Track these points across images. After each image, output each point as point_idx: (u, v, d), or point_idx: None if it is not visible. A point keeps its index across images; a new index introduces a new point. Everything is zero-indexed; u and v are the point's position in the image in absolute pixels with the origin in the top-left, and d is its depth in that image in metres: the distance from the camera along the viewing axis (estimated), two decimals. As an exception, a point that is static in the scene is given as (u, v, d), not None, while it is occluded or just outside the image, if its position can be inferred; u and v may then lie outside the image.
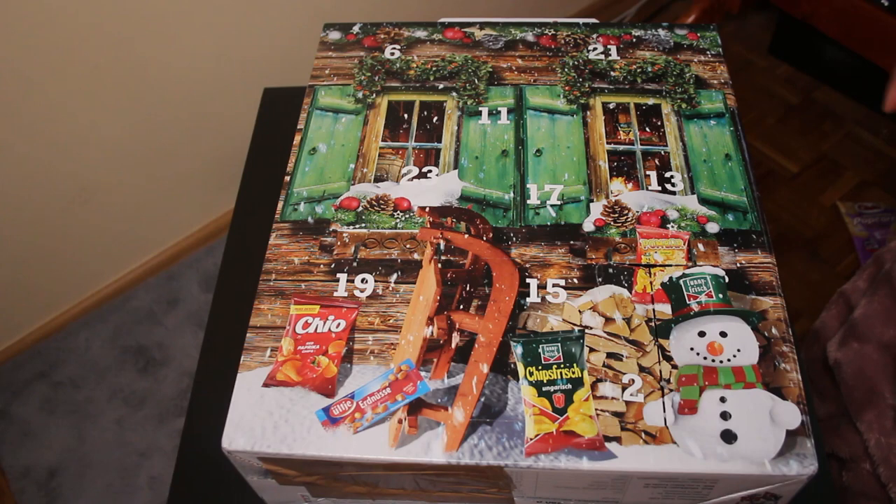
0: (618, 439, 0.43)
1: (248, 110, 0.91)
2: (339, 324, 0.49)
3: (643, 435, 0.43)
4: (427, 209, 0.55)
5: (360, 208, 0.56)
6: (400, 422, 0.45)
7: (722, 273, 0.50)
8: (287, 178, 0.58)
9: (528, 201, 0.55)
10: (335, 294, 0.51)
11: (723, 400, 0.44)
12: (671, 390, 0.45)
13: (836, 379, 0.66)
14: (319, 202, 0.57)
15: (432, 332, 0.48)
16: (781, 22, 1.78)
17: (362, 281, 0.52)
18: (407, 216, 0.55)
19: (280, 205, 0.57)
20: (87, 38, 1.16)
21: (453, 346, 0.48)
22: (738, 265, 0.50)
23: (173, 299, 1.57)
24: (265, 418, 0.45)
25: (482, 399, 0.45)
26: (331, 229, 0.55)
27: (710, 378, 0.45)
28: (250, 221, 0.75)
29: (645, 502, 0.47)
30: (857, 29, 1.63)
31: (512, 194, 0.56)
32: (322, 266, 0.53)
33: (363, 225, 0.55)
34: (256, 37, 1.36)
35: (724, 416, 0.43)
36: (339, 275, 0.52)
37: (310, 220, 0.56)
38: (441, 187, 0.57)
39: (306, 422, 0.45)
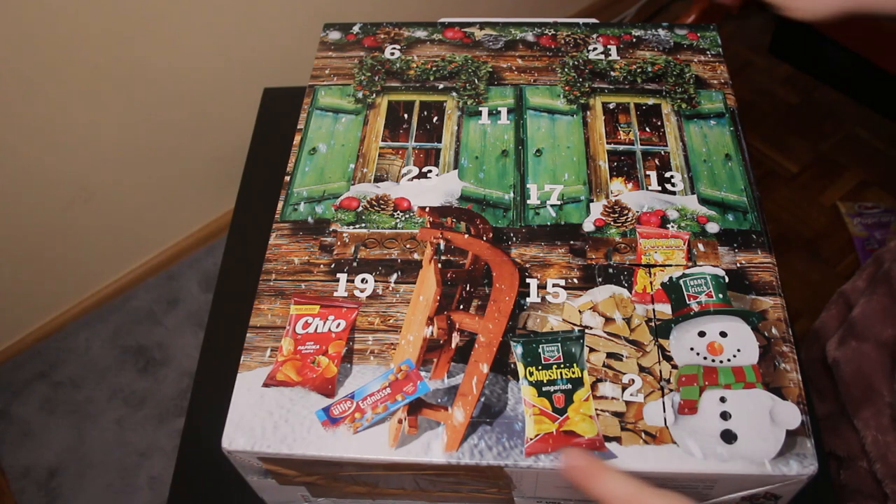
0: (618, 439, 0.43)
1: (248, 110, 0.91)
2: (339, 324, 0.49)
3: (643, 435, 0.43)
4: (427, 209, 0.55)
5: (360, 208, 0.56)
6: (400, 422, 0.44)
7: (722, 273, 0.50)
8: (287, 178, 0.58)
9: (528, 201, 0.55)
10: (335, 294, 0.51)
11: (723, 400, 0.44)
12: (671, 390, 0.45)
13: (834, 378, 0.66)
14: (319, 202, 0.56)
15: (432, 332, 0.48)
16: (781, 22, 1.78)
17: (362, 281, 0.51)
18: (407, 216, 0.55)
19: (280, 205, 0.57)
20: (88, 38, 1.16)
21: (453, 346, 0.47)
22: (738, 265, 0.50)
23: (173, 299, 1.57)
24: (265, 418, 0.45)
25: (482, 399, 0.45)
26: (331, 229, 0.55)
27: (710, 378, 0.45)
28: (250, 221, 0.75)
29: None
30: (857, 29, 1.63)
31: (512, 194, 0.56)
32: (322, 266, 0.53)
33: (363, 225, 0.55)
34: (256, 37, 1.36)
35: (724, 416, 0.43)
36: (339, 275, 0.52)
37: (310, 220, 0.55)
38: (441, 187, 0.56)
39: (306, 422, 0.45)
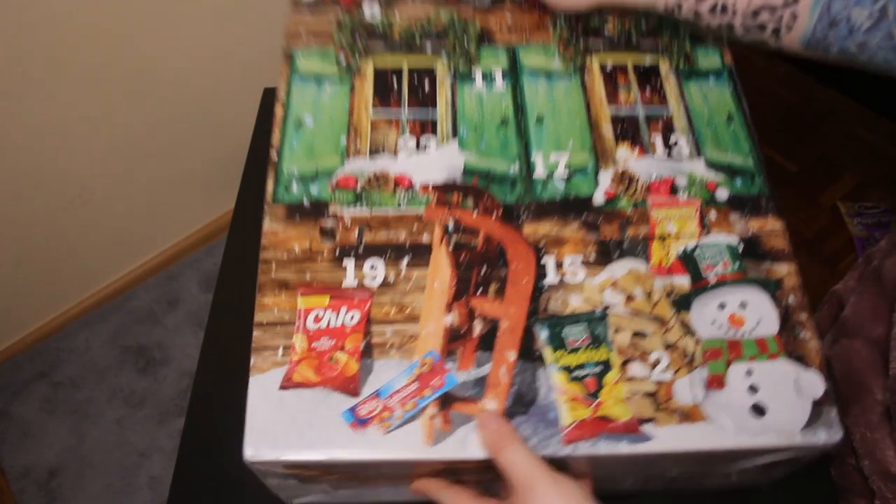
0: (652, 420, 0.43)
1: (248, 110, 0.91)
2: (353, 315, 0.46)
3: (676, 413, 0.43)
4: (430, 186, 0.51)
5: (359, 187, 0.51)
6: (432, 418, 0.42)
7: (736, 241, 0.49)
8: (274, 155, 0.53)
9: (535, 174, 0.52)
10: (344, 284, 0.47)
11: (749, 373, 0.44)
12: (698, 365, 0.44)
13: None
14: (313, 181, 0.52)
15: (453, 321, 0.46)
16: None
17: (371, 267, 0.48)
18: (410, 194, 0.51)
19: (270, 185, 0.52)
20: (88, 38, 1.16)
21: (476, 334, 0.45)
22: (751, 232, 0.49)
23: (173, 299, 1.57)
24: (288, 424, 0.43)
25: (513, 388, 0.43)
26: (330, 212, 0.50)
27: (735, 351, 0.44)
28: (250, 221, 0.75)
29: (674, 470, 0.47)
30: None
31: (517, 166, 0.53)
32: (326, 253, 0.49)
33: (364, 205, 0.50)
34: (256, 37, 1.36)
35: (752, 389, 0.43)
36: (345, 261, 0.48)
37: (305, 202, 0.51)
38: (442, 161, 0.52)
39: (333, 425, 0.43)
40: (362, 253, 0.49)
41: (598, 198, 0.51)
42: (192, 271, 1.60)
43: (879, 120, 1.75)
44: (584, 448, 0.42)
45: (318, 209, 0.51)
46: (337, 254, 0.49)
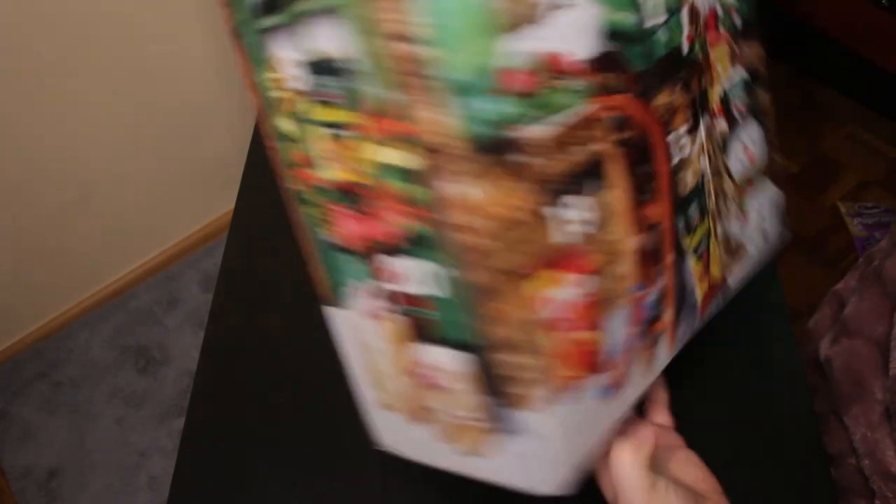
0: (728, 270, 0.45)
1: (249, 110, 0.91)
2: (580, 282, 0.34)
3: (736, 256, 0.46)
4: (580, 66, 0.33)
5: (536, 87, 0.31)
6: (649, 349, 0.40)
7: (747, 75, 0.47)
8: (423, 49, 0.29)
9: (645, 23, 0.37)
10: (553, 241, 0.33)
11: (755, 200, 0.48)
12: (733, 205, 0.47)
13: (826, 377, 0.66)
14: (481, 91, 0.30)
15: (640, 243, 0.38)
16: (781, 22, 1.78)
17: (567, 207, 0.34)
18: (567, 83, 0.32)
19: (443, 114, 0.29)
20: (88, 38, 1.16)
21: (651, 247, 0.38)
22: (752, 63, 0.47)
23: (173, 299, 1.57)
24: (584, 436, 0.37)
25: (676, 290, 0.42)
26: (513, 138, 0.30)
27: (750, 182, 0.48)
28: (250, 221, 0.75)
29: None
30: (857, 29, 1.63)
31: (636, 17, 0.36)
32: (528, 205, 0.32)
33: (545, 116, 0.32)
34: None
35: (759, 214, 0.48)
36: (547, 209, 0.33)
37: (488, 131, 0.30)
38: (576, 21, 0.33)
39: (598, 410, 0.37)
40: (558, 191, 0.33)
41: (685, 46, 0.39)
42: (192, 271, 1.60)
43: (879, 120, 1.76)
44: (702, 319, 0.44)
45: (501, 139, 0.30)
46: (538, 202, 0.32)
